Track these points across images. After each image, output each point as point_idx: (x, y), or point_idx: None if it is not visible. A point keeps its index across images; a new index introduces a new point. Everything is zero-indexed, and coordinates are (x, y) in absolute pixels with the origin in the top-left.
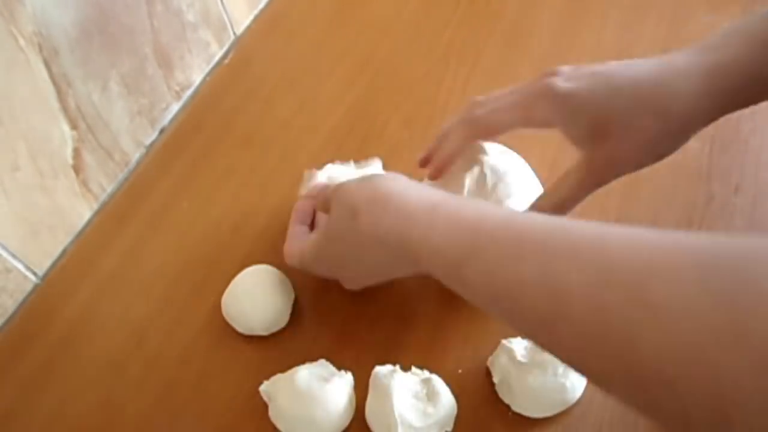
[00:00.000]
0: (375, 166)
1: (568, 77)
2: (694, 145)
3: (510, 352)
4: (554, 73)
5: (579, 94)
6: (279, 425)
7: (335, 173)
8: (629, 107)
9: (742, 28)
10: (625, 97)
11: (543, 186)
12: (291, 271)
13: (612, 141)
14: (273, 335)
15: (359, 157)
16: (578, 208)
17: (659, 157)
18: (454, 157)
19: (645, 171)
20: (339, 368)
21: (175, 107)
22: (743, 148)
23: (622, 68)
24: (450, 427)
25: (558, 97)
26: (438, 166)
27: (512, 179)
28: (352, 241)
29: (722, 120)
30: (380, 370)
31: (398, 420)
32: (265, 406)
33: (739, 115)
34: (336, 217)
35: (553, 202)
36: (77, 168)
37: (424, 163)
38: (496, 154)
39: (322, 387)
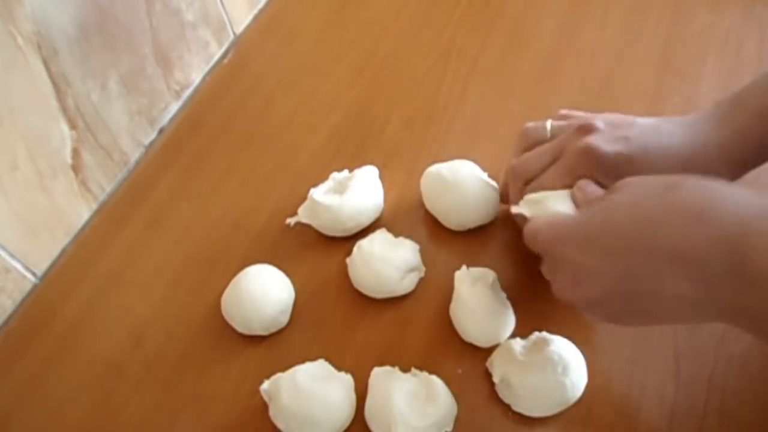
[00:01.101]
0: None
1: (606, 139)
2: None
3: (509, 352)
4: (591, 130)
5: (619, 160)
6: (279, 425)
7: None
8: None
9: (752, 95)
10: (660, 170)
11: None
12: (291, 271)
13: None
14: (273, 335)
15: (359, 156)
16: None
17: None
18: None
19: None
20: (339, 369)
21: (175, 107)
22: None
23: (654, 136)
24: (450, 427)
25: (601, 164)
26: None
27: None
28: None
29: None
30: (379, 370)
31: (398, 420)
32: (265, 406)
33: None
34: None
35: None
36: (76, 168)
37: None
38: None
39: (323, 387)
